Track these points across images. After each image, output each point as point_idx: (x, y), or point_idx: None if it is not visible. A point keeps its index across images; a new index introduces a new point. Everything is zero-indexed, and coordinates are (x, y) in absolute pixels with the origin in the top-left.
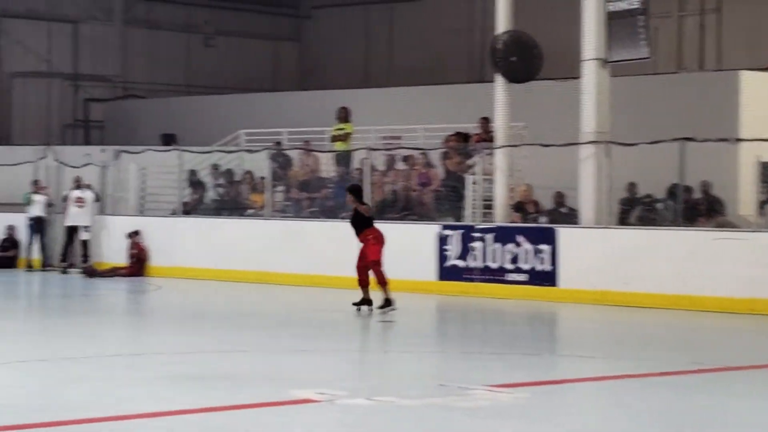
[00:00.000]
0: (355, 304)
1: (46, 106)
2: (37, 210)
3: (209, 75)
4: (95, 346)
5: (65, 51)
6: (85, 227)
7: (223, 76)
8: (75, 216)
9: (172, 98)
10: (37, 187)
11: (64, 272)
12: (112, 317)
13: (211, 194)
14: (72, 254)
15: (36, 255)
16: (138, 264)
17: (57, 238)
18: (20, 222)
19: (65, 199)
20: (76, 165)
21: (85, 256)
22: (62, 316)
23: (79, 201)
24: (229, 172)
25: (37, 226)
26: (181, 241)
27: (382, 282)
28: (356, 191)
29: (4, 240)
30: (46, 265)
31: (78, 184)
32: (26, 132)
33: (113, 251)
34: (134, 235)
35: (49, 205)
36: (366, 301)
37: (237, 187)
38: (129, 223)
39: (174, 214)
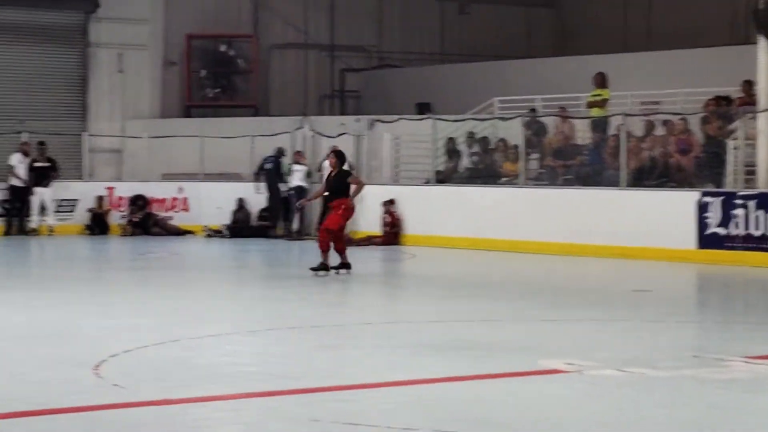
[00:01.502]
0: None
1: (303, 77)
2: (297, 180)
3: (463, 43)
4: (346, 314)
5: (322, 22)
6: None
7: (477, 44)
8: None
9: (426, 67)
10: (298, 157)
11: None
12: (365, 285)
13: (465, 162)
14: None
15: (295, 224)
16: (393, 233)
17: (314, 207)
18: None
19: (320, 168)
20: (331, 135)
21: None
22: (316, 284)
23: None
24: (484, 140)
25: (298, 195)
26: (435, 210)
27: (325, 248)
28: (342, 156)
29: (263, 210)
30: (303, 234)
31: (332, 154)
32: (284, 103)
33: (368, 220)
34: (389, 204)
35: (308, 175)
36: (345, 265)
37: (491, 155)
38: (383, 192)
39: (428, 182)
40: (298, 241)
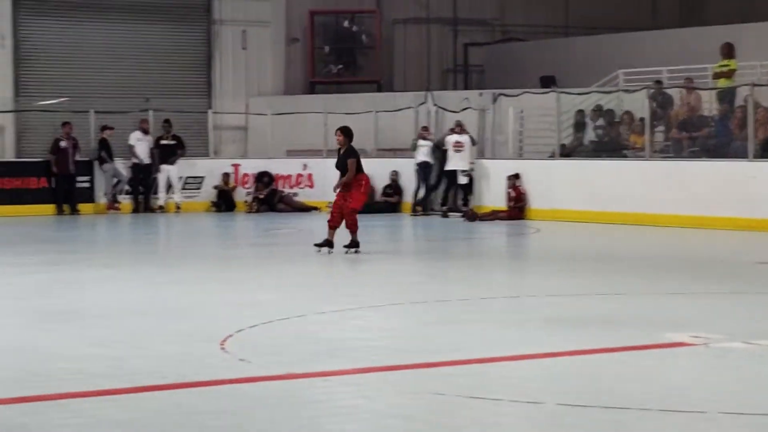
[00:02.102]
0: (317, 245)
1: (425, 52)
2: (423, 155)
3: (587, 15)
4: (471, 288)
5: None
6: (464, 171)
7: (601, 16)
8: (454, 160)
9: (550, 40)
10: (423, 132)
11: (445, 216)
12: (490, 260)
13: (590, 135)
14: (452, 198)
15: (423, 202)
16: (517, 207)
17: (438, 183)
18: (403, 167)
19: (443, 144)
20: (455, 110)
21: (465, 200)
22: (441, 259)
23: (457, 145)
24: (609, 113)
25: (423, 171)
26: (559, 184)
27: (355, 228)
28: (349, 133)
29: (387, 186)
30: (428, 209)
31: (455, 129)
32: (407, 78)
33: (492, 195)
34: (514, 178)
35: (433, 150)
36: (329, 242)
37: (616, 128)
38: (507, 166)
39: (552, 156)
40: (422, 217)
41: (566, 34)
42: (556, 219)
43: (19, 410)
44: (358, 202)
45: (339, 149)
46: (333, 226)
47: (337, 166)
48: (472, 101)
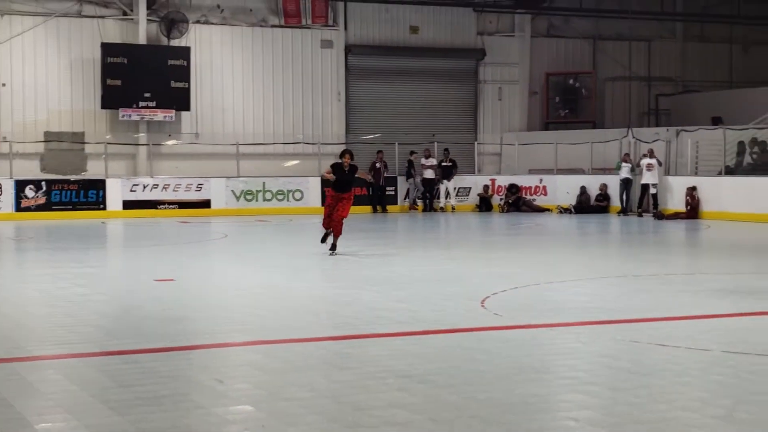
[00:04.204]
0: (331, 247)
1: (627, 100)
2: (624, 173)
3: (748, 72)
4: (657, 267)
5: (641, 61)
6: (653, 184)
7: (759, 72)
8: (647, 177)
9: (718, 92)
10: (625, 156)
11: (640, 216)
12: (673, 247)
13: (747, 159)
14: (645, 204)
15: (625, 206)
16: (693, 210)
17: (635, 192)
18: (610, 181)
19: (638, 165)
20: (647, 141)
21: (655, 205)
22: (636, 245)
23: (649, 167)
24: (762, 143)
25: (625, 185)
26: (725, 194)
27: (339, 234)
28: (352, 154)
29: (599, 195)
30: (627, 211)
31: (647, 154)
32: (613, 119)
33: (675, 201)
34: (691, 189)
35: (632, 169)
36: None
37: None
38: (686, 181)
39: (720, 174)
40: (626, 217)
41: (731, 87)
42: (723, 219)
43: (346, 344)
44: (348, 211)
45: (343, 167)
46: (329, 226)
47: (343, 179)
48: (660, 135)
